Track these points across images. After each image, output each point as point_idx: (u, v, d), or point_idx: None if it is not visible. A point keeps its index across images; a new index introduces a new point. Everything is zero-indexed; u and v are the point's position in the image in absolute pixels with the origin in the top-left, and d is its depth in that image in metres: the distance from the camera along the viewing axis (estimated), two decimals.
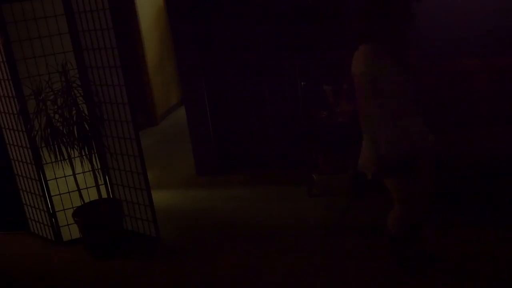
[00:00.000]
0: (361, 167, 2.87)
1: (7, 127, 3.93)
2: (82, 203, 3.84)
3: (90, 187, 3.95)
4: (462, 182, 3.66)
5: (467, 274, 3.04)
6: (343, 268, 3.26)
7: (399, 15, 2.61)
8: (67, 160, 3.66)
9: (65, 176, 3.87)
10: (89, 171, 3.87)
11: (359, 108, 2.76)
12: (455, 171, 3.63)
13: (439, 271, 3.10)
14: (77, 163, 3.73)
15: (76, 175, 3.76)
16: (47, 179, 3.84)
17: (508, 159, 3.56)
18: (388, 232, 3.04)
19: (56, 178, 3.87)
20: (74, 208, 3.89)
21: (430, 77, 4.13)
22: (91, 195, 3.96)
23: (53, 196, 3.89)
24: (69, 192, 3.92)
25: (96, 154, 3.83)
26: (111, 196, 4.04)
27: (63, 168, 3.75)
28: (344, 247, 3.48)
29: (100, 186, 3.88)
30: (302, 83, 4.17)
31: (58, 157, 3.59)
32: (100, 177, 3.91)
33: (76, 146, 3.61)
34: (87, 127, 3.65)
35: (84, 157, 3.67)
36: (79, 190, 3.79)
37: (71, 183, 3.84)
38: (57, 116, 3.57)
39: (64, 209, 3.94)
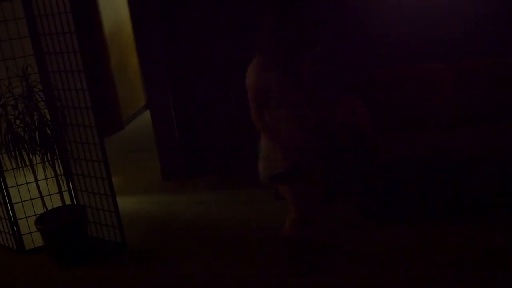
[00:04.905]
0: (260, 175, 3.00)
1: None
2: (45, 210, 3.76)
3: (53, 193, 3.87)
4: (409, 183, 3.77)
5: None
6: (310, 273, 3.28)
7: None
8: (29, 167, 3.59)
9: (27, 183, 3.78)
10: (52, 177, 3.80)
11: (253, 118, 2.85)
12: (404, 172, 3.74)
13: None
14: (39, 169, 3.65)
15: (39, 182, 3.68)
16: (8, 186, 3.74)
17: (448, 160, 3.69)
18: (284, 236, 3.18)
19: (17, 185, 3.78)
20: (37, 216, 3.81)
21: (384, 81, 4.23)
22: (54, 202, 3.88)
23: (14, 203, 3.79)
24: (31, 199, 3.83)
25: (59, 160, 3.77)
26: (75, 203, 3.97)
27: (24, 175, 3.67)
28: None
29: (64, 193, 3.81)
30: None
31: (20, 163, 3.52)
32: (63, 183, 3.84)
33: (38, 152, 3.55)
34: (49, 132, 3.59)
35: (46, 163, 3.61)
36: (41, 197, 3.71)
37: (33, 190, 3.76)
38: (18, 122, 3.50)
39: (26, 217, 3.85)
